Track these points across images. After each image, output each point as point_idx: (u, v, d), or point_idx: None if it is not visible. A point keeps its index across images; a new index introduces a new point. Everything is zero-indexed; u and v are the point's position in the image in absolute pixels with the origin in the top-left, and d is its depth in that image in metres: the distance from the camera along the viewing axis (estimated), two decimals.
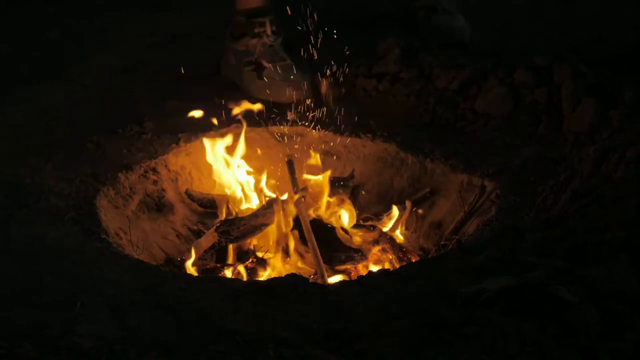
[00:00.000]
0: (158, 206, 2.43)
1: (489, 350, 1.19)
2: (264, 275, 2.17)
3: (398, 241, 2.31)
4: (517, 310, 1.29)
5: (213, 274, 2.17)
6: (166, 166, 2.51)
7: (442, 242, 2.27)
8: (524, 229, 1.88)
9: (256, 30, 2.88)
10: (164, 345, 1.34)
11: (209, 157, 2.48)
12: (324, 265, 2.10)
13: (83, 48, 3.33)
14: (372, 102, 2.86)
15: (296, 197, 2.27)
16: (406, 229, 2.44)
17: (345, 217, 2.34)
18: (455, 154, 2.51)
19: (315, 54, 2.61)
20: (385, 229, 2.35)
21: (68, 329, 1.36)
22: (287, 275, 1.79)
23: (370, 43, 2.97)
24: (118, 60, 3.19)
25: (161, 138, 2.59)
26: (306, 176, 2.36)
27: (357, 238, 2.25)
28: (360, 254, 2.22)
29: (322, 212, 2.34)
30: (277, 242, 2.26)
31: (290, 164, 2.42)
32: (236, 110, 2.58)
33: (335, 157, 2.68)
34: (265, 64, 2.85)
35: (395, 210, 2.40)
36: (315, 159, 2.47)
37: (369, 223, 2.36)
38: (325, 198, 2.33)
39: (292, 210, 2.26)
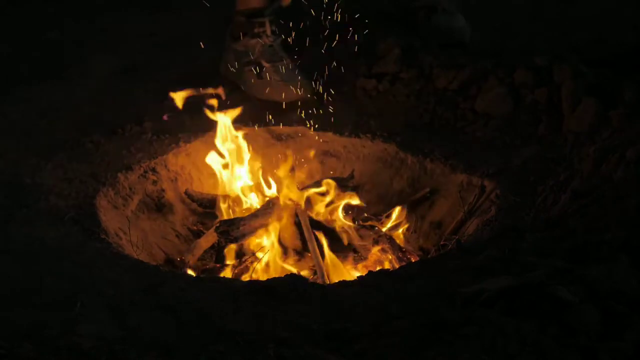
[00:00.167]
0: (158, 206, 2.43)
1: (489, 350, 1.19)
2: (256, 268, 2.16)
3: (398, 241, 2.31)
4: (517, 310, 1.29)
5: (213, 274, 2.17)
6: (166, 166, 2.51)
7: (442, 242, 2.26)
8: (524, 229, 1.88)
9: (256, 30, 2.88)
10: (164, 345, 1.34)
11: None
12: (323, 265, 2.10)
13: (83, 48, 3.33)
14: (372, 102, 2.86)
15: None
16: (406, 229, 2.44)
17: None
18: (455, 154, 2.51)
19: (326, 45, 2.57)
20: (385, 229, 2.34)
21: (68, 329, 1.36)
22: (287, 275, 1.79)
23: (370, 43, 2.97)
24: (118, 60, 3.19)
25: (161, 138, 2.59)
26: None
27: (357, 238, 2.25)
28: (359, 254, 2.23)
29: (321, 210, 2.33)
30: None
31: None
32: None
33: (335, 157, 2.68)
34: (265, 64, 2.85)
35: (395, 211, 2.39)
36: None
37: (369, 223, 2.35)
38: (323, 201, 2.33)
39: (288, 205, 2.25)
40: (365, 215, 2.42)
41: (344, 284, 1.79)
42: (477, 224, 2.21)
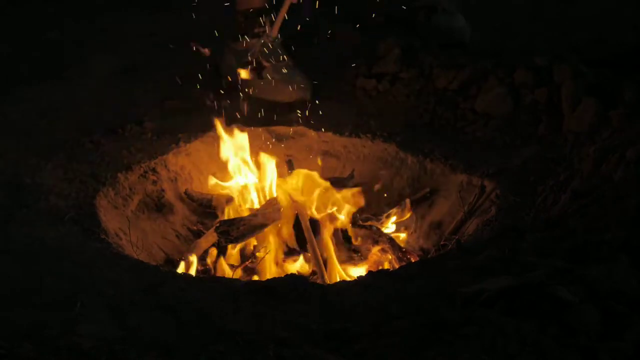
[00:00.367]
0: (158, 206, 2.43)
1: (489, 350, 1.18)
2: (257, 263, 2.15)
3: (398, 241, 2.31)
4: (517, 310, 1.29)
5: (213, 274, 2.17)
6: (166, 166, 2.51)
7: (442, 242, 2.27)
8: (524, 229, 1.88)
9: (256, 30, 2.89)
10: (164, 345, 1.34)
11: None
12: (323, 265, 2.10)
13: (83, 48, 3.34)
14: (372, 102, 2.86)
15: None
16: (406, 229, 2.44)
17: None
18: (455, 154, 2.51)
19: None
20: (384, 230, 2.34)
21: (68, 329, 1.36)
22: (287, 275, 1.79)
23: (370, 43, 2.97)
24: (118, 60, 3.19)
25: (161, 138, 2.59)
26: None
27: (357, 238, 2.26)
28: (359, 254, 2.23)
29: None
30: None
31: (290, 163, 2.42)
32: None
33: (335, 157, 2.68)
34: (265, 63, 2.85)
35: (395, 211, 2.39)
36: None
37: (369, 223, 2.35)
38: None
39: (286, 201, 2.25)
40: (365, 215, 2.42)
41: (344, 284, 1.79)
42: (477, 224, 2.21)
